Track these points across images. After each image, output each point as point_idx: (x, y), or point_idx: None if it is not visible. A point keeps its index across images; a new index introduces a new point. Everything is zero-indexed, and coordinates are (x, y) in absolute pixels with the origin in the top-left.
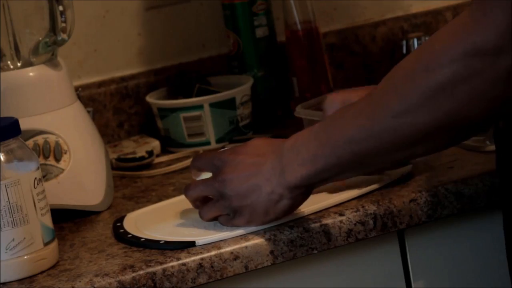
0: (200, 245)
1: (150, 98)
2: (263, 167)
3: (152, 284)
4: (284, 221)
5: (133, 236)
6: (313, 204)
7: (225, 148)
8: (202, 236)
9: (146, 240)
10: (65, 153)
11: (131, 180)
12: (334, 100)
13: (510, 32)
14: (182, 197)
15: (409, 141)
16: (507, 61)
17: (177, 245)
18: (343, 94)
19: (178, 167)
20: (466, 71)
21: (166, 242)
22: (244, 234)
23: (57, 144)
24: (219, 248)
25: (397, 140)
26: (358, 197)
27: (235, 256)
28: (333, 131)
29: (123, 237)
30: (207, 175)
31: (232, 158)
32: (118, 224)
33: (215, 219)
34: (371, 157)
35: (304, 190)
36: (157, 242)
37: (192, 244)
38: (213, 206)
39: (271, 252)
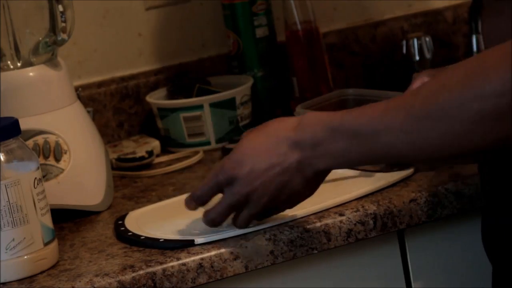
0: (199, 244)
1: (150, 98)
2: (283, 165)
3: (152, 284)
4: (284, 221)
5: (133, 234)
6: (313, 204)
7: (220, 162)
8: (202, 235)
9: (146, 238)
10: (65, 153)
11: (131, 180)
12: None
13: None
14: (184, 196)
15: (451, 155)
16: None
17: (176, 243)
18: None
19: (178, 167)
20: None
21: (166, 241)
22: (243, 234)
23: (57, 144)
24: (219, 248)
25: (438, 154)
26: (358, 198)
27: (235, 256)
28: (368, 133)
29: (123, 235)
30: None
31: (240, 171)
32: (120, 222)
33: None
34: (405, 159)
35: (325, 176)
36: (156, 240)
37: (191, 243)
38: (246, 212)
39: (271, 252)
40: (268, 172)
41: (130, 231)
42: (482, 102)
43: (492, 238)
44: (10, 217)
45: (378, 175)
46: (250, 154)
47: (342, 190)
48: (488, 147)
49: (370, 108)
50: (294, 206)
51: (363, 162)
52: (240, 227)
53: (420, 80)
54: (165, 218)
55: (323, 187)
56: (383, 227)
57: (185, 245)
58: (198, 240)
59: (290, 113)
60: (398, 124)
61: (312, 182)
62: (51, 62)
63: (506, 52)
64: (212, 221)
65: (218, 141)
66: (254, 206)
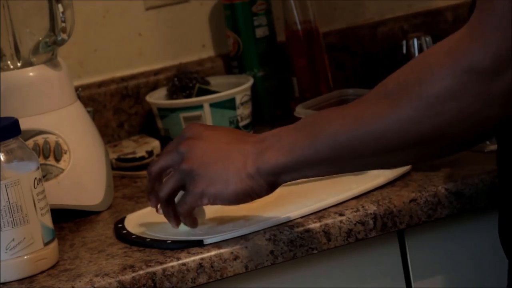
0: (208, 244)
1: (150, 98)
2: (241, 144)
3: (152, 284)
4: (284, 221)
5: (138, 237)
6: (313, 203)
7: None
8: (209, 235)
9: (152, 240)
10: (65, 153)
11: (131, 180)
12: None
13: (507, 55)
14: None
15: (391, 148)
16: (502, 83)
17: (185, 244)
18: None
19: None
20: (459, 88)
21: (173, 242)
22: (244, 234)
23: (57, 144)
24: (219, 248)
25: (380, 145)
26: (358, 198)
27: (235, 256)
28: (316, 125)
29: (127, 238)
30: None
31: (201, 131)
32: (120, 225)
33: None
34: (349, 158)
35: (272, 181)
36: (163, 241)
37: (200, 243)
38: (172, 175)
39: (271, 252)
40: (224, 145)
41: (133, 234)
42: (421, 87)
43: (510, 233)
44: (10, 217)
45: (376, 172)
46: (218, 137)
47: (341, 188)
48: (427, 138)
49: (337, 106)
50: (204, 191)
51: (310, 158)
52: (161, 192)
53: None
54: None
55: (322, 186)
56: (383, 227)
57: (193, 245)
58: (207, 240)
59: (290, 113)
60: (351, 115)
61: (242, 177)
62: (51, 62)
63: (448, 41)
64: (151, 168)
65: None
66: (185, 160)
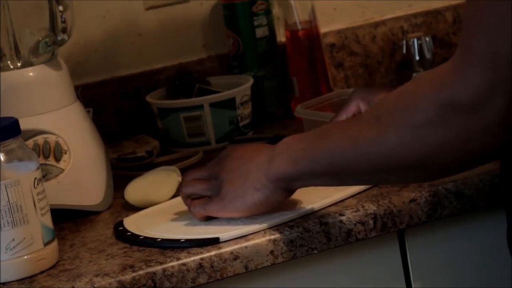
0: (225, 241)
1: (150, 98)
2: (258, 156)
3: (152, 284)
4: (284, 221)
5: (146, 238)
6: (312, 202)
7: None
8: (222, 232)
9: (163, 240)
10: (65, 153)
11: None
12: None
13: (487, 93)
14: (179, 198)
15: (382, 169)
16: (480, 120)
17: (201, 242)
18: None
19: (178, 167)
20: (439, 121)
21: (187, 241)
22: (246, 235)
23: (57, 144)
24: (219, 248)
25: (370, 166)
26: (359, 198)
27: (235, 256)
28: (318, 141)
29: (135, 239)
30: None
31: (233, 151)
32: (120, 228)
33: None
34: (345, 174)
35: (284, 186)
36: (177, 241)
37: (216, 240)
38: (204, 185)
39: (271, 252)
40: (245, 158)
41: (140, 235)
42: (406, 114)
43: None
44: (10, 217)
45: None
46: (249, 146)
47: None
48: (412, 165)
49: (339, 121)
50: (224, 207)
51: (311, 171)
52: (194, 213)
53: (354, 103)
54: (171, 219)
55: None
56: (383, 227)
57: (210, 243)
58: (223, 236)
59: (290, 113)
60: (346, 135)
61: (257, 188)
62: (51, 62)
63: (434, 73)
64: (185, 183)
65: (218, 141)
66: (216, 178)
